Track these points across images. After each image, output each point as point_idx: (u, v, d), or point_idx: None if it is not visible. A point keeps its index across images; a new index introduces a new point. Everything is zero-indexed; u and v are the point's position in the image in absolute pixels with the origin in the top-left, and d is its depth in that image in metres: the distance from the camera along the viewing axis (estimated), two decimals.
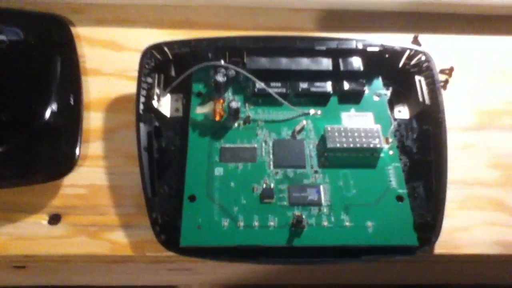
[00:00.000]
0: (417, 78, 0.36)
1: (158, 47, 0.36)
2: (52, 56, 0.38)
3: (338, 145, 0.33)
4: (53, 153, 0.33)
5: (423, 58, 0.36)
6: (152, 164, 0.32)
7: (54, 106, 0.35)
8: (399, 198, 0.32)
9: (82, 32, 0.41)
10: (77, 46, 0.39)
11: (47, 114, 0.34)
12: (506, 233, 0.33)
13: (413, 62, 0.37)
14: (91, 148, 0.35)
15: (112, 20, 0.42)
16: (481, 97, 0.39)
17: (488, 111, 0.39)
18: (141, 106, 0.34)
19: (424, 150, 0.34)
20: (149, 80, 0.35)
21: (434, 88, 0.35)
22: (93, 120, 0.37)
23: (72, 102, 0.36)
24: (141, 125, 0.33)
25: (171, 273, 0.38)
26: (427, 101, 0.35)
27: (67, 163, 0.33)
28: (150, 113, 0.34)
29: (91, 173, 0.34)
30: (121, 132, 0.36)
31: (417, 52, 0.37)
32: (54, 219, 0.32)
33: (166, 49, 0.36)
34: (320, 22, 0.43)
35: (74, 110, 0.35)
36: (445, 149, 0.33)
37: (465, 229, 0.33)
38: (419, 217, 0.31)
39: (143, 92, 0.34)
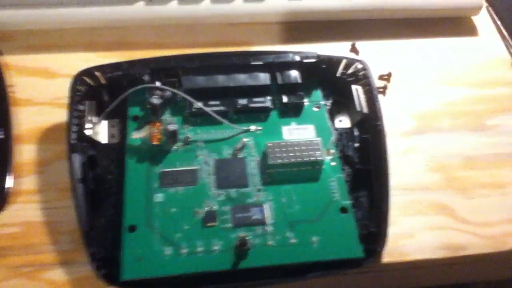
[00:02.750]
0: (354, 87, 0.36)
1: (89, 72, 0.35)
2: None
3: (279, 161, 0.32)
4: None
5: (360, 66, 0.36)
6: (88, 195, 0.31)
7: None
8: (343, 210, 0.31)
9: (11, 61, 0.39)
10: (6, 75, 0.38)
11: None
12: (449, 236, 0.33)
13: (349, 71, 0.37)
14: (24, 183, 0.33)
15: (43, 46, 0.41)
16: (419, 100, 0.40)
17: (427, 114, 0.39)
18: (73, 136, 0.32)
19: (366, 158, 0.34)
20: (81, 107, 0.34)
21: (371, 96, 0.35)
22: (26, 153, 0.35)
23: (1, 136, 0.34)
24: (74, 155, 0.31)
25: None
26: (365, 109, 0.35)
27: None
28: (84, 142, 0.33)
29: (24, 210, 0.32)
30: (56, 164, 0.34)
31: (353, 61, 0.37)
32: None
33: (97, 73, 0.35)
34: (259, 35, 0.43)
35: (3, 144, 0.34)
36: (385, 157, 0.33)
37: (410, 236, 0.33)
38: (364, 227, 0.31)
39: (75, 121, 0.33)
